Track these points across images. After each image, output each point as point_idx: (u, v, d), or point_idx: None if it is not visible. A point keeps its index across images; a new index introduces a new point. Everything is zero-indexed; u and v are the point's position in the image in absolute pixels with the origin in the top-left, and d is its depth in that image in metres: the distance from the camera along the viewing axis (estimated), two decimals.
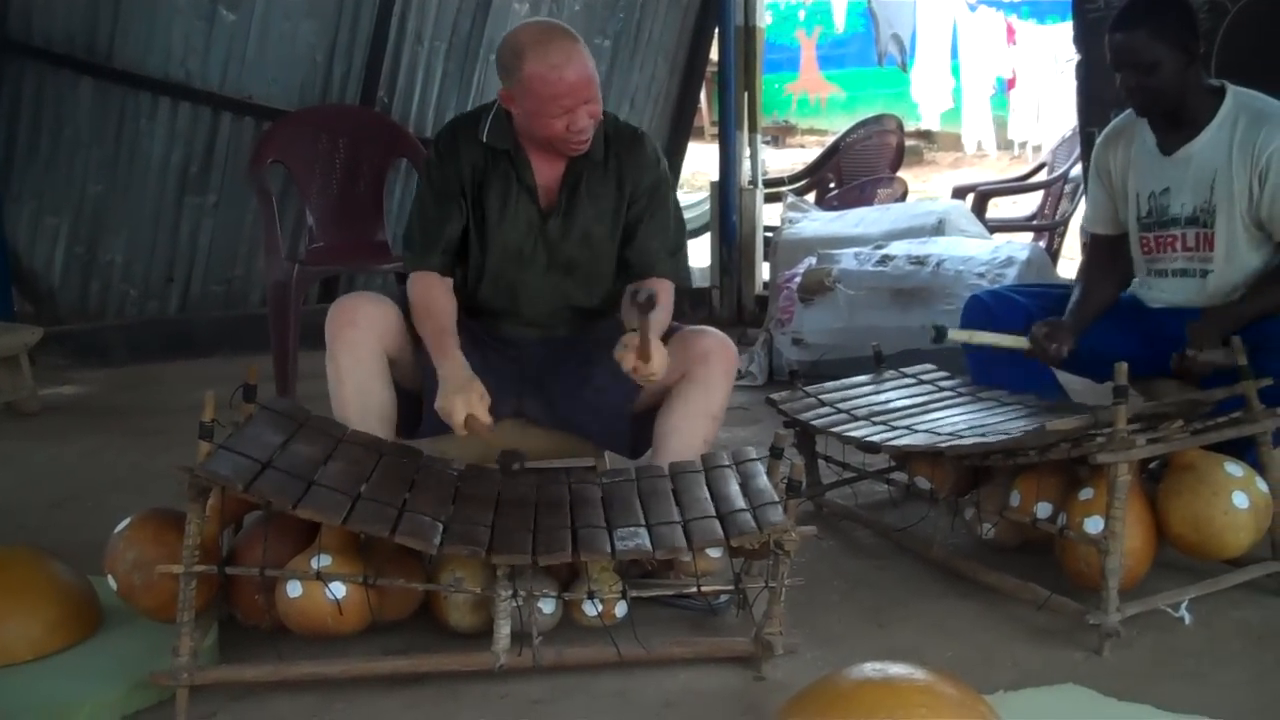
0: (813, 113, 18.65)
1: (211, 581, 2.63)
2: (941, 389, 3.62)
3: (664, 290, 3.15)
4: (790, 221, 6.55)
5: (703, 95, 9.41)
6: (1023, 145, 14.65)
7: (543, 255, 3.22)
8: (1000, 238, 6.42)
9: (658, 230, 3.24)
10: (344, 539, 2.66)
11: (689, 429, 3.11)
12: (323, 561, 2.61)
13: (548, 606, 2.69)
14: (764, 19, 6.91)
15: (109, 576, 2.70)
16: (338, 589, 2.60)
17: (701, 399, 3.11)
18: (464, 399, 2.93)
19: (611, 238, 3.24)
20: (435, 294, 3.19)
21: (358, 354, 3.09)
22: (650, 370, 2.87)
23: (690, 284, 3.29)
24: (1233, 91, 3.31)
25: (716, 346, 3.16)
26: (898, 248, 5.45)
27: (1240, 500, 2.81)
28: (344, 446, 2.86)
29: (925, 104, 15.39)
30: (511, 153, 3.19)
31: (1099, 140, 3.62)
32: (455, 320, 3.16)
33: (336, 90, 6.46)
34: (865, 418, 3.44)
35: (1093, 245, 3.70)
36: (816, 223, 6.52)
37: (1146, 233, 3.46)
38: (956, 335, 3.47)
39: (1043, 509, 2.94)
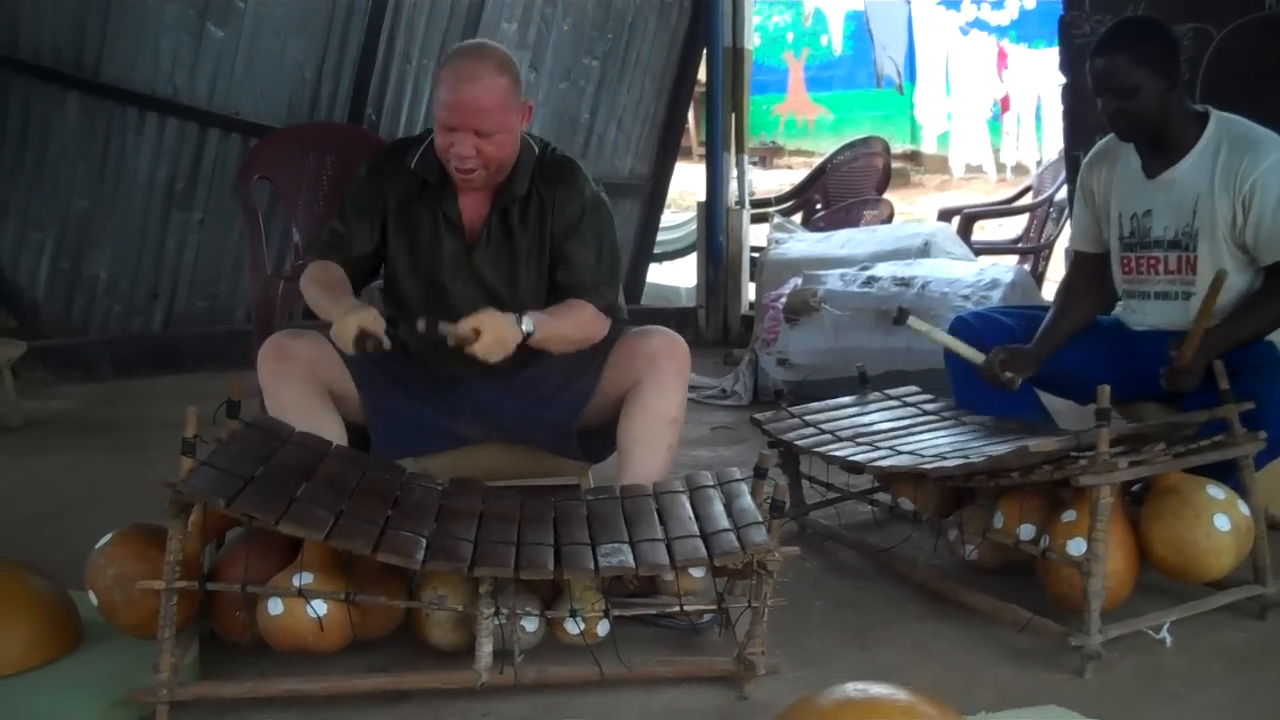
0: (800, 134, 18.73)
1: (193, 598, 2.62)
2: (925, 411, 3.63)
3: (581, 309, 3.15)
4: (776, 242, 6.57)
5: (690, 116, 9.44)
6: (1014, 168, 14.73)
7: (470, 288, 3.18)
8: (986, 260, 6.44)
9: (584, 262, 3.18)
10: (326, 556, 2.65)
11: (650, 439, 3.11)
12: (304, 579, 2.60)
13: (530, 625, 2.68)
14: (752, 41, 6.94)
15: (90, 592, 2.69)
16: (319, 606, 2.60)
17: (657, 404, 3.10)
18: (357, 316, 2.93)
19: (538, 275, 3.20)
20: (329, 268, 3.18)
21: (294, 384, 3.08)
22: (480, 348, 2.91)
23: (624, 316, 3.27)
24: (1216, 117, 3.33)
25: (663, 346, 3.15)
26: (883, 269, 5.46)
27: (1222, 523, 2.82)
28: (327, 463, 2.85)
29: (928, 125, 15.52)
30: (437, 184, 3.16)
31: (1085, 160, 3.64)
32: (348, 287, 3.15)
33: (324, 107, 6.47)
34: (849, 438, 3.44)
35: (1075, 262, 3.72)
36: (803, 244, 6.55)
37: (1128, 253, 3.48)
38: (917, 325, 3.47)
39: (1025, 530, 2.94)
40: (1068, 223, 5.82)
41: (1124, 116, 3.29)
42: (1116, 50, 3.27)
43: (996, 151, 15.60)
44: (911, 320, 3.45)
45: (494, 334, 2.92)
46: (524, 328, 2.97)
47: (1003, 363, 3.38)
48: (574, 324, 3.13)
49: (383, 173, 3.22)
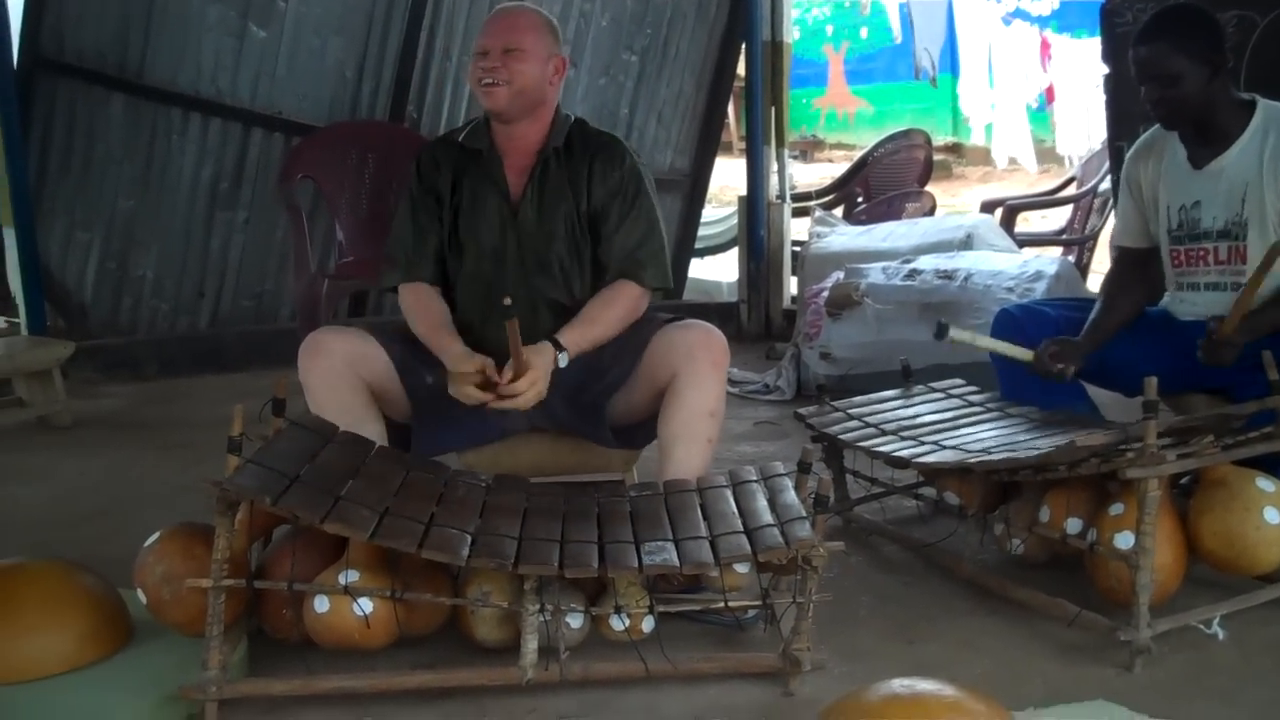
0: (840, 127, 18.68)
1: (240, 595, 2.64)
2: (971, 404, 3.60)
3: (619, 294, 3.23)
4: (818, 236, 6.55)
5: (730, 110, 9.41)
6: (1060, 159, 14.62)
7: (515, 251, 3.27)
8: (1029, 252, 6.40)
9: (625, 232, 3.27)
10: (372, 553, 2.66)
11: (690, 433, 3.09)
12: (350, 576, 2.62)
13: (575, 621, 2.68)
14: (791, 34, 6.92)
15: (139, 590, 2.71)
16: (365, 604, 2.61)
17: (696, 398, 3.08)
18: (463, 376, 3.03)
19: (580, 236, 3.29)
20: (425, 298, 3.30)
21: (330, 380, 3.11)
22: (516, 393, 2.99)
23: (670, 286, 3.38)
24: (1263, 105, 3.30)
25: (699, 339, 3.13)
26: (925, 262, 5.43)
27: (1272, 515, 2.79)
28: (372, 461, 2.87)
29: (971, 117, 15.43)
30: (485, 152, 3.30)
31: (1129, 154, 3.60)
32: (449, 319, 3.24)
33: (366, 105, 6.50)
34: (894, 433, 3.42)
35: (1119, 258, 3.68)
36: (844, 237, 6.52)
37: (1177, 246, 3.45)
38: (959, 335, 3.42)
39: (1073, 525, 2.92)
40: (1112, 213, 5.78)
41: (1167, 104, 3.27)
42: (1158, 38, 3.25)
43: (1041, 143, 15.50)
44: (953, 332, 3.40)
45: (536, 392, 3.02)
46: (559, 363, 3.08)
47: (1053, 355, 3.35)
48: (607, 322, 3.20)
49: (435, 158, 3.36)
